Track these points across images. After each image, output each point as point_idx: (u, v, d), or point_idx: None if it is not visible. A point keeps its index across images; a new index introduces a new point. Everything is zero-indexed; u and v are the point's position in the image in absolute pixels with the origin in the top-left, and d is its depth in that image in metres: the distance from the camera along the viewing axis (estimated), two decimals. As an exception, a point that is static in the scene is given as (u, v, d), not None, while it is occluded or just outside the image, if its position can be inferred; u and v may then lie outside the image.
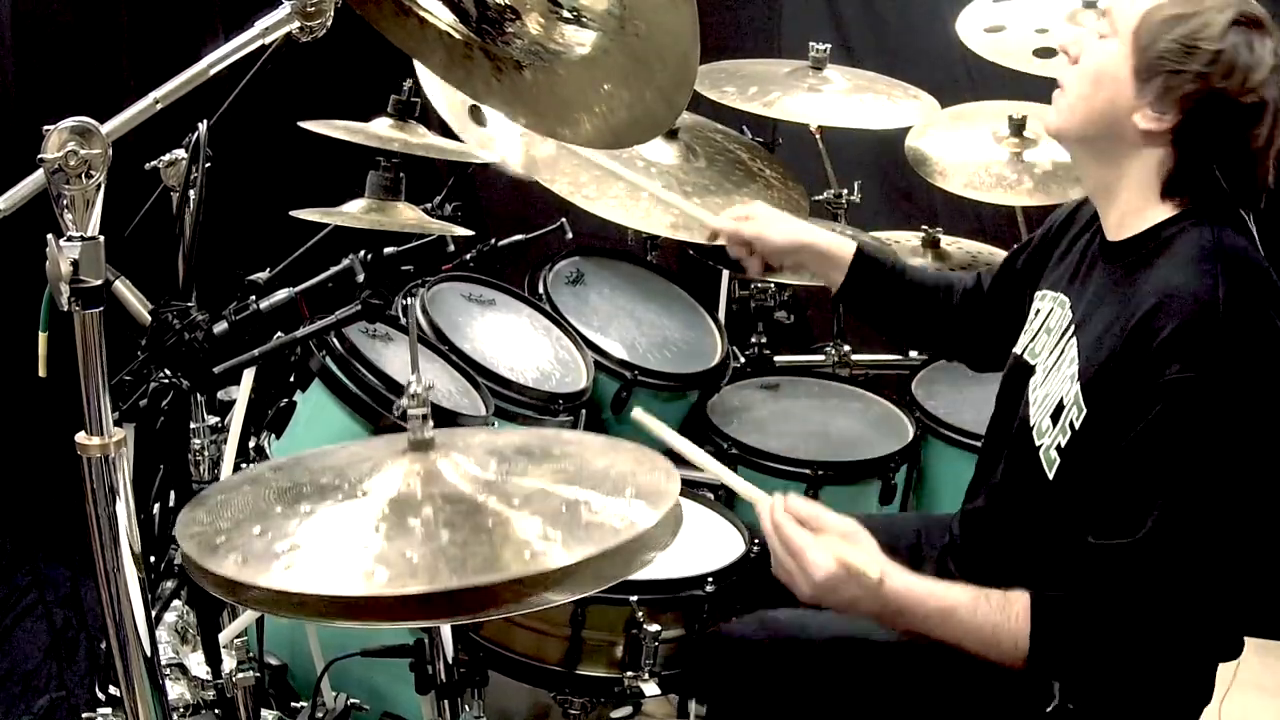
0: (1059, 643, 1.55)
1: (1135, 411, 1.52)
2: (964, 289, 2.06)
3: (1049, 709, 1.62)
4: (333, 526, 1.33)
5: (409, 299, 2.41)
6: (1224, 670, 1.73)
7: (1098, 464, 1.58)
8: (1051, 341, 1.73)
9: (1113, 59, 1.61)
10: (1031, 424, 1.70)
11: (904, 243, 3.13)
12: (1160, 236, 1.61)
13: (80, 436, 1.28)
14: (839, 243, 2.08)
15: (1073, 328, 1.69)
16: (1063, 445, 1.63)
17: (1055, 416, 1.65)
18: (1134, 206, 1.65)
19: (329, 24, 1.53)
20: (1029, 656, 1.55)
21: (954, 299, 2.06)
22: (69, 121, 1.21)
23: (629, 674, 1.87)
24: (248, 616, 1.90)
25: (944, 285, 2.09)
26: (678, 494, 1.36)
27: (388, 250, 1.86)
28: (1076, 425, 1.61)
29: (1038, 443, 1.67)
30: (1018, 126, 2.88)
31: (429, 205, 2.64)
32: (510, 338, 2.53)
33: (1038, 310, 1.81)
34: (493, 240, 2.73)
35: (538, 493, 1.39)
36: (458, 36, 1.71)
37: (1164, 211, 1.63)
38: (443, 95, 2.34)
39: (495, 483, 1.41)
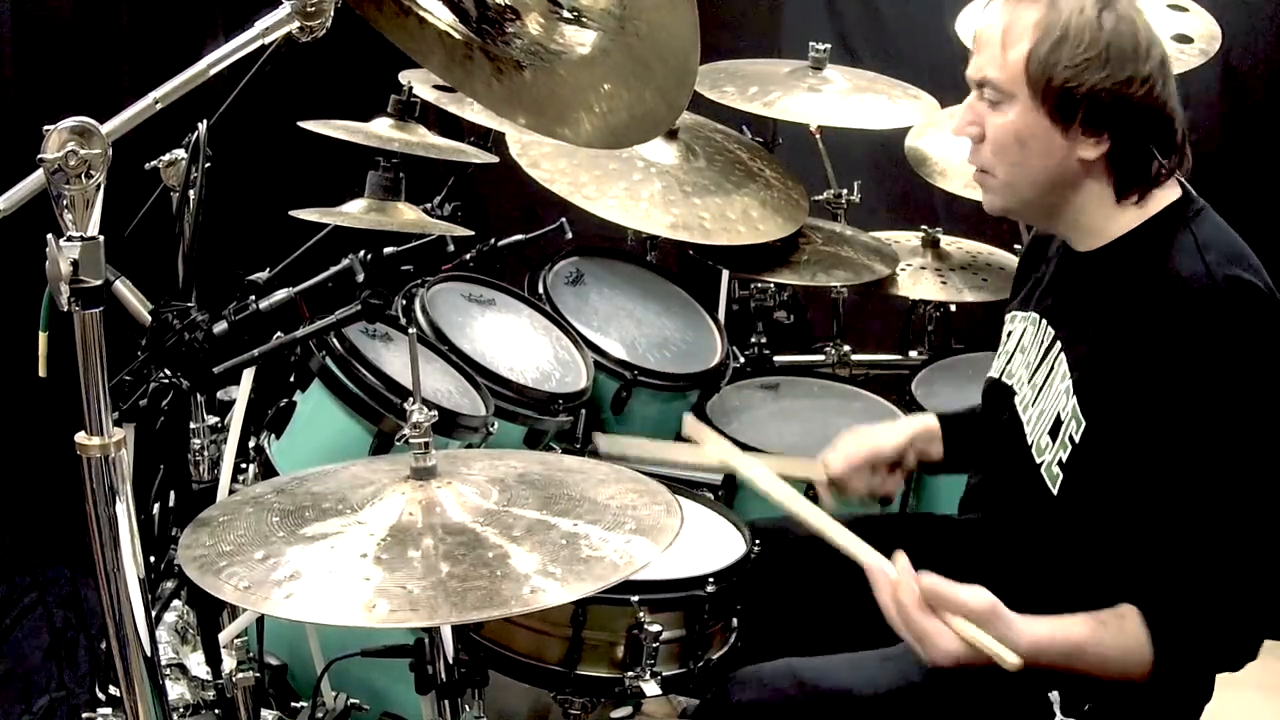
0: (1183, 645, 1.54)
1: (1154, 413, 1.52)
2: None
3: None
4: (333, 555, 1.33)
5: (409, 299, 2.41)
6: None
7: (1107, 472, 1.58)
8: (1031, 359, 1.74)
9: (1024, 117, 1.58)
10: (1029, 443, 1.70)
11: (904, 243, 3.13)
12: (1140, 245, 1.62)
13: (80, 436, 1.28)
14: (925, 419, 2.04)
15: (1057, 344, 1.69)
16: (1064, 460, 1.63)
17: (1054, 433, 1.65)
18: (1097, 223, 1.65)
19: (329, 24, 1.53)
20: (1155, 665, 1.53)
21: None
22: (69, 121, 1.21)
23: (629, 674, 1.87)
24: (248, 616, 1.90)
25: None
26: (677, 527, 1.38)
27: (388, 250, 1.86)
28: (1076, 439, 1.61)
29: (1038, 460, 1.68)
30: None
31: (429, 205, 2.65)
32: (510, 338, 2.53)
33: (1009, 333, 1.83)
34: (493, 240, 2.74)
35: (538, 524, 1.39)
36: (458, 37, 1.71)
37: (1129, 215, 1.63)
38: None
39: (496, 513, 1.41)
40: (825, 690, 1.72)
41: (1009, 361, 1.80)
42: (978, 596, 1.51)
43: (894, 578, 1.54)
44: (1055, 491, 1.65)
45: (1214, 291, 1.52)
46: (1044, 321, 1.73)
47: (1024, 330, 1.78)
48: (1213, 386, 1.50)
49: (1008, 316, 1.85)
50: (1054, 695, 1.61)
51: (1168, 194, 1.64)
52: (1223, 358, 1.50)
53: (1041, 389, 1.69)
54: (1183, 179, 1.64)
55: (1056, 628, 1.53)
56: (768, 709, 1.72)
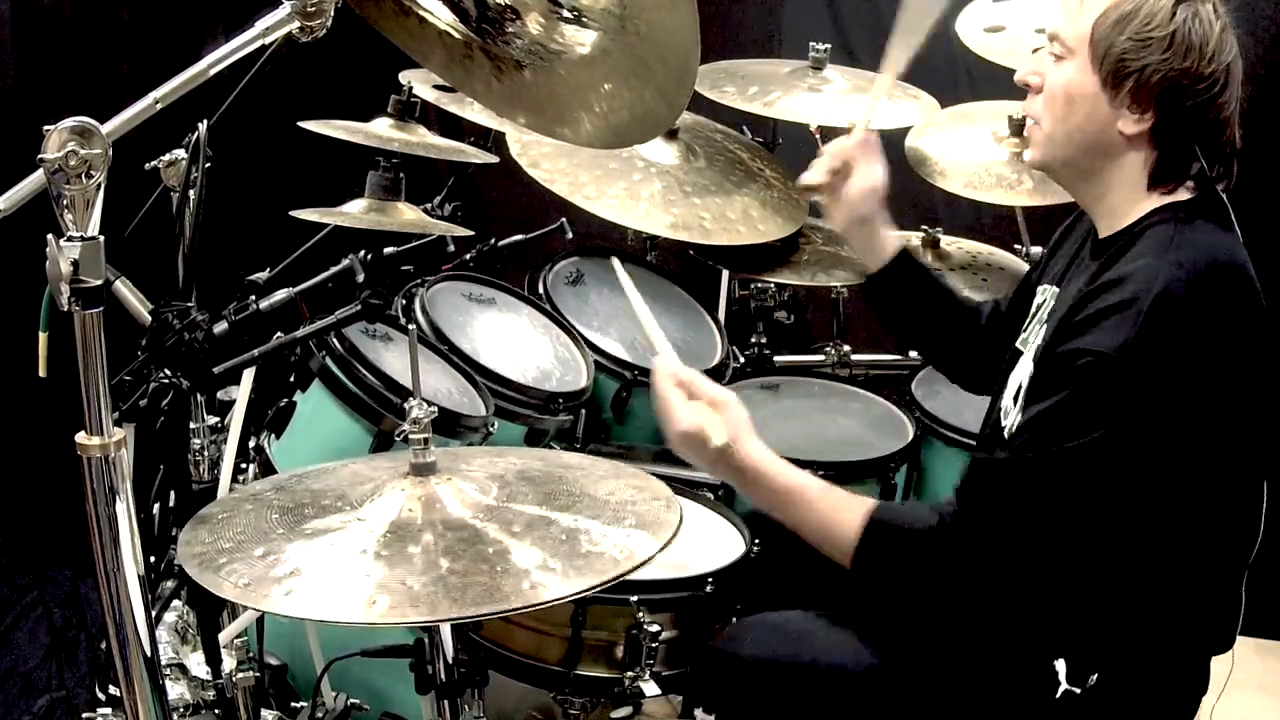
0: (881, 552, 1.62)
1: (1048, 378, 1.56)
2: (990, 310, 2.10)
3: (1057, 695, 1.63)
4: (333, 551, 1.33)
5: (409, 299, 2.41)
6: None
7: None
8: (1038, 329, 1.77)
9: (1078, 76, 1.65)
10: (1000, 407, 1.75)
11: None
12: (1133, 232, 1.65)
13: (80, 436, 1.28)
14: (893, 236, 2.09)
15: (1049, 314, 1.73)
16: (1014, 426, 1.67)
17: (1016, 396, 1.70)
18: (1124, 206, 1.68)
19: (329, 24, 1.53)
20: (854, 557, 1.62)
21: (981, 318, 2.10)
22: (69, 121, 1.21)
23: (629, 674, 1.87)
24: (248, 616, 1.90)
25: (980, 304, 2.13)
26: (677, 523, 1.38)
27: (388, 250, 1.86)
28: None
29: (1003, 424, 1.72)
30: (1018, 126, 2.88)
31: (429, 205, 2.64)
32: (510, 337, 2.53)
33: (1036, 303, 1.85)
34: (493, 240, 2.73)
35: (538, 520, 1.39)
36: (458, 36, 1.71)
37: (1149, 205, 1.66)
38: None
39: (496, 509, 1.41)
40: (827, 661, 1.73)
41: (1026, 330, 1.83)
42: (719, 390, 1.68)
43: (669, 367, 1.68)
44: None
45: (1145, 292, 1.51)
46: (1059, 295, 1.76)
47: (1044, 301, 1.81)
48: (1097, 375, 1.50)
49: (1038, 289, 1.87)
50: (1059, 664, 1.62)
51: (1187, 193, 1.66)
52: (1122, 354, 1.50)
53: (1026, 356, 1.73)
54: (1215, 187, 1.65)
55: (787, 466, 1.66)
56: (772, 665, 1.74)
